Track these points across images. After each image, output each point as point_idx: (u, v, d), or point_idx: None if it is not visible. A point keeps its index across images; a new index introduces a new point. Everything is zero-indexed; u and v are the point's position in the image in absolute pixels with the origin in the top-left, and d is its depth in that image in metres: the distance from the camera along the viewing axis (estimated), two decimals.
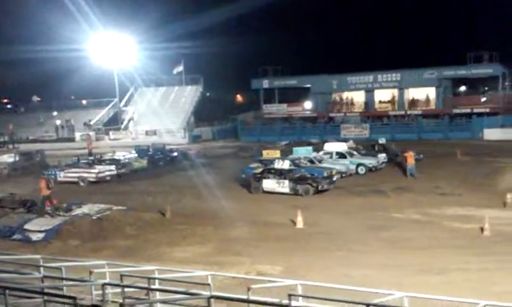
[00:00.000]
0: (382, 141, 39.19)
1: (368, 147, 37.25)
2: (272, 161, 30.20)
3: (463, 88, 68.65)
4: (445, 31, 76.19)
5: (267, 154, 32.70)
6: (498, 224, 19.69)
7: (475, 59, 53.41)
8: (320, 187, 27.32)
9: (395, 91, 58.17)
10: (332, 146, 35.15)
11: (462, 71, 55.39)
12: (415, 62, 57.19)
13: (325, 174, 28.66)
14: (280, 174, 27.95)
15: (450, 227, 20.29)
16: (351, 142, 38.83)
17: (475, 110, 52.70)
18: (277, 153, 32.75)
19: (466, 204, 23.58)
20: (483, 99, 57.11)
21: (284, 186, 27.44)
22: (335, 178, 29.10)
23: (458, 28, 74.00)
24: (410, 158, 30.90)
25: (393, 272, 15.29)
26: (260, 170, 29.27)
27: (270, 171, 28.56)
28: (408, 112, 56.29)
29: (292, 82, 63.71)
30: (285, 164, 28.89)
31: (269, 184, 27.96)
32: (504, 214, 21.48)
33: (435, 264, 15.97)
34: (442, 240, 18.54)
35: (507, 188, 24.13)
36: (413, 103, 57.25)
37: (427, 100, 56.61)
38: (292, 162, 30.14)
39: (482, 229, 18.97)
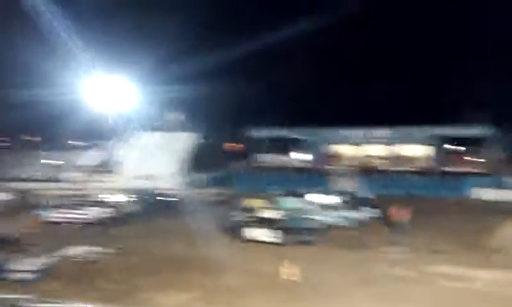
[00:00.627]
0: (368, 195, 39.59)
1: (355, 201, 37.39)
2: (254, 210, 30.31)
3: (453, 147, 69.38)
4: (438, 88, 77.39)
5: (249, 203, 32.82)
6: (491, 284, 19.72)
7: (467, 119, 54.24)
8: (302, 238, 27.31)
9: (386, 147, 58.82)
10: (318, 198, 35.25)
11: (453, 131, 56.17)
12: (407, 119, 57.95)
13: (310, 226, 28.71)
14: (264, 223, 27.99)
15: (442, 285, 20.28)
16: (341, 195, 38.84)
17: (466, 170, 53.19)
18: (260, 202, 32.83)
19: (458, 262, 23.44)
20: (473, 159, 57.71)
21: (267, 235, 27.41)
22: (320, 230, 29.13)
23: (451, 87, 75.19)
24: (400, 214, 30.93)
25: None
26: (244, 218, 29.32)
27: (254, 219, 28.61)
28: (398, 169, 56.74)
29: (286, 133, 64.33)
30: (270, 214, 28.96)
31: (252, 233, 27.95)
32: (497, 274, 21.47)
33: None
34: (433, 297, 18.51)
35: (498, 247, 24.23)
36: (404, 159, 57.77)
37: (418, 157, 57.19)
38: (277, 211, 30.24)
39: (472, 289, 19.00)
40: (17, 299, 14.60)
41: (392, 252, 26.10)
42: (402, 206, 32.15)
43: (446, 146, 62.27)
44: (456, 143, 66.25)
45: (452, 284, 20.28)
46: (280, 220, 28.65)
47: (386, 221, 33.09)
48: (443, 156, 59.77)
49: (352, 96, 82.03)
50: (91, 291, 18.97)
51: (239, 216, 30.11)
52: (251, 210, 30.73)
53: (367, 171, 57.64)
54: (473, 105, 55.95)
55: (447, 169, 54.48)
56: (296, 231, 27.44)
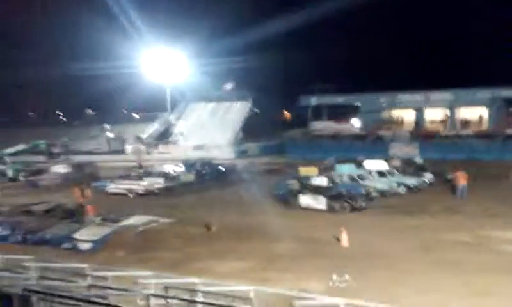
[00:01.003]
0: (419, 160, 38.82)
1: (413, 167, 36.77)
2: (309, 178, 30.15)
3: None
4: (499, 49, 74.29)
5: (304, 171, 32.60)
6: None
7: None
8: (357, 205, 27.04)
9: (447, 111, 56.98)
10: (373, 164, 34.76)
11: None
12: (468, 81, 55.90)
13: (363, 192, 28.39)
14: (317, 190, 27.86)
15: (499, 250, 19.68)
16: (396, 161, 38.26)
17: None
18: (314, 171, 32.57)
19: None
20: None
21: (321, 203, 27.29)
22: (372, 196, 28.77)
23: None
24: (462, 178, 30.23)
25: (438, 295, 14.95)
26: (297, 186, 29.25)
27: (307, 187, 28.51)
28: (459, 133, 55.02)
29: (340, 100, 63.27)
30: (322, 181, 28.77)
31: (305, 200, 27.89)
32: None
33: (481, 287, 15.54)
34: (490, 263, 17.99)
35: None
36: (465, 123, 55.94)
37: (480, 120, 55.22)
38: (330, 179, 29.98)
39: None
40: (81, 268, 15.05)
41: (450, 218, 25.52)
42: (463, 170, 31.36)
43: (509, 107, 59.88)
44: None
45: (509, 248, 19.65)
46: (334, 187, 28.44)
47: (445, 185, 32.46)
48: (506, 118, 57.45)
49: (410, 59, 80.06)
50: (150, 260, 19.39)
51: (293, 184, 30.05)
52: (305, 178, 30.61)
53: (426, 136, 56.25)
54: None
55: (510, 131, 52.37)
56: (350, 198, 27.19)
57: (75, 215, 24.61)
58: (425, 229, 23.09)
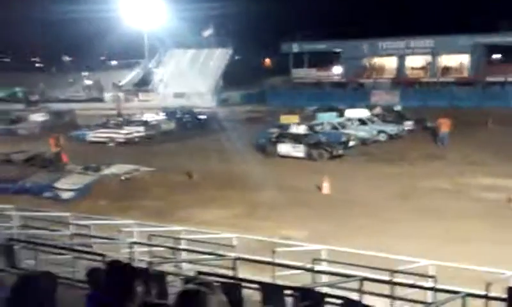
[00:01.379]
0: (397, 108, 39.30)
1: (393, 114, 37.14)
2: (289, 126, 30.21)
3: (497, 56, 66.89)
4: None
5: (285, 119, 32.58)
6: None
7: (510, 26, 51.83)
8: (334, 152, 27.28)
9: (428, 58, 57.00)
10: (354, 113, 34.96)
11: (497, 39, 53.86)
12: (449, 28, 55.74)
13: (343, 140, 28.62)
14: (295, 138, 27.98)
15: (478, 196, 20.08)
16: (378, 109, 38.48)
17: (510, 79, 51.39)
18: (296, 119, 32.56)
19: (495, 174, 23.21)
20: None
21: (299, 150, 27.49)
22: (351, 144, 29.04)
23: None
24: (445, 125, 30.55)
25: (418, 241, 15.23)
26: (278, 135, 29.30)
27: (285, 135, 28.58)
28: (440, 80, 55.25)
29: (321, 46, 62.71)
30: (300, 129, 28.86)
31: (284, 148, 28.05)
32: None
33: (461, 233, 15.89)
34: (469, 210, 18.39)
35: None
36: (446, 70, 56.09)
37: (461, 68, 55.40)
38: (309, 127, 30.07)
39: (510, 200, 18.71)
40: (64, 217, 15.02)
41: (429, 165, 25.86)
42: (445, 117, 31.67)
43: (490, 55, 60.12)
44: (500, 52, 63.87)
45: (487, 195, 20.02)
46: (313, 135, 28.56)
47: (426, 132, 32.82)
48: (487, 65, 57.70)
49: (391, 6, 79.25)
50: (133, 208, 19.42)
51: (274, 133, 30.09)
52: (285, 126, 30.64)
53: (407, 83, 56.44)
54: None
55: (491, 79, 52.67)
56: (328, 146, 27.40)
57: (57, 164, 24.43)
58: (405, 177, 23.39)
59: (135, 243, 12.20)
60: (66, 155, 25.32)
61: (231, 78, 65.29)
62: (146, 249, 12.50)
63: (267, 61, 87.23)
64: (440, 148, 29.53)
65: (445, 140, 30.25)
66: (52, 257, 11.04)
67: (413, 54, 57.47)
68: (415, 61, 58.11)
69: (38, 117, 41.41)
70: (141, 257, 12.02)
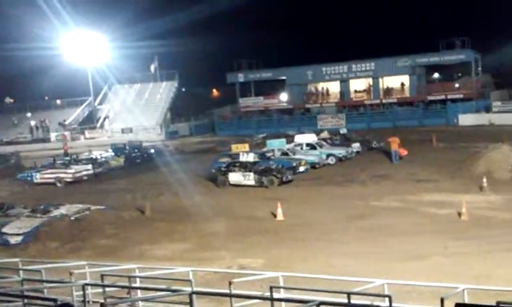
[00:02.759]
0: (343, 131, 40.55)
1: (341, 137, 38.04)
2: (238, 155, 30.35)
3: (436, 75, 69.34)
4: (418, 17, 76.91)
5: (236, 148, 32.69)
6: (475, 208, 20.03)
7: (448, 46, 53.90)
8: (284, 178, 27.52)
9: (370, 80, 58.49)
10: (302, 138, 35.52)
11: (435, 58, 55.80)
12: (389, 51, 57.57)
13: (294, 165, 29.00)
14: (245, 166, 28.14)
15: (428, 213, 20.54)
16: (325, 133, 39.17)
17: (450, 97, 53.24)
18: (246, 147, 32.74)
19: (443, 190, 23.88)
20: (457, 85, 57.82)
21: (249, 178, 27.65)
22: (302, 169, 29.46)
23: (430, 15, 74.73)
24: (394, 143, 31.47)
25: (373, 260, 15.45)
26: (227, 164, 29.38)
27: (235, 164, 28.71)
28: (383, 101, 56.74)
29: (267, 74, 63.57)
30: (250, 157, 29.05)
31: (234, 177, 28.14)
32: (480, 198, 21.85)
33: (414, 250, 16.19)
34: (421, 226, 18.78)
35: (482, 173, 24.43)
36: (388, 91, 57.65)
37: (402, 88, 57.06)
38: (260, 154, 30.34)
39: (459, 214, 19.24)
40: (13, 262, 14.54)
41: (379, 184, 26.35)
42: (393, 136, 32.57)
43: (429, 74, 62.27)
44: (439, 71, 66.33)
45: (436, 211, 20.53)
46: (261, 162, 28.76)
47: (372, 153, 33.61)
48: (427, 84, 59.76)
49: (332, 32, 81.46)
50: (85, 249, 19.00)
51: (224, 162, 30.12)
52: (235, 155, 30.72)
53: (352, 106, 57.70)
54: (451, 31, 55.78)
55: (431, 97, 54.46)
56: (278, 172, 27.63)
57: (12, 209, 23.57)
58: (356, 197, 23.73)
59: (88, 284, 11.87)
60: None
61: (179, 110, 65.19)
62: (99, 289, 12.19)
63: (215, 91, 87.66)
64: (386, 167, 30.18)
65: (396, 156, 31.15)
66: (2, 305, 10.64)
67: (355, 77, 58.89)
68: (358, 84, 59.56)
69: None
70: (94, 298, 11.72)
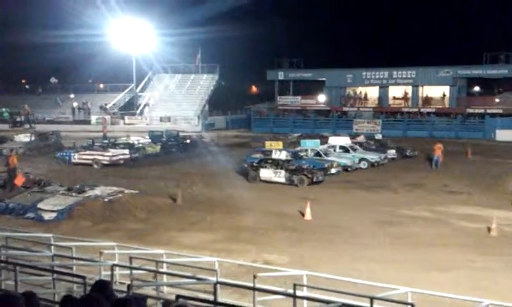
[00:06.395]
0: (378, 136, 40.37)
1: (375, 143, 37.86)
2: (271, 152, 30.52)
3: (477, 88, 68.16)
4: (462, 29, 75.63)
5: (269, 145, 32.86)
6: (506, 224, 19.78)
7: (491, 59, 52.99)
8: (315, 179, 27.58)
9: (409, 88, 57.93)
10: (337, 140, 35.50)
11: (477, 71, 55.02)
12: (431, 60, 56.94)
13: (325, 166, 29.03)
14: (277, 164, 28.29)
15: (458, 225, 20.35)
16: (362, 137, 39.06)
17: (489, 111, 52.37)
18: (280, 145, 32.88)
19: (474, 203, 23.65)
20: (497, 100, 56.78)
21: (280, 176, 27.81)
22: (333, 171, 29.49)
23: (475, 27, 73.45)
24: (439, 150, 32.00)
25: (398, 267, 15.44)
26: (260, 160, 29.57)
27: (267, 160, 28.88)
28: (421, 110, 56.15)
29: (307, 74, 63.59)
30: (282, 155, 29.18)
31: (265, 173, 28.33)
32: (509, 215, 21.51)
33: (440, 261, 16.08)
34: (449, 238, 18.63)
35: None
36: (427, 100, 57.03)
37: (441, 98, 56.35)
38: (293, 153, 30.44)
39: (489, 229, 19.03)
40: (46, 238, 14.99)
41: (410, 193, 26.19)
42: (438, 143, 32.75)
43: (470, 86, 61.26)
44: (480, 84, 65.16)
45: (466, 225, 20.33)
46: (295, 161, 28.86)
47: (406, 161, 33.53)
48: (467, 97, 58.83)
49: (375, 37, 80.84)
50: (116, 231, 19.41)
51: (256, 158, 30.34)
52: (267, 152, 30.91)
53: (389, 112, 57.24)
54: (496, 45, 54.76)
55: (470, 110, 53.65)
56: (309, 172, 27.71)
57: (49, 186, 24.29)
58: (386, 204, 23.61)
59: (116, 265, 12.21)
60: (21, 178, 24.97)
61: (217, 103, 65.71)
62: (127, 271, 12.53)
63: (253, 87, 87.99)
64: (420, 176, 29.96)
65: (438, 163, 31.60)
66: (32, 278, 11.05)
67: (395, 84, 58.38)
68: (396, 91, 59.03)
69: (22, 138, 41.25)
70: (121, 279, 12.06)
